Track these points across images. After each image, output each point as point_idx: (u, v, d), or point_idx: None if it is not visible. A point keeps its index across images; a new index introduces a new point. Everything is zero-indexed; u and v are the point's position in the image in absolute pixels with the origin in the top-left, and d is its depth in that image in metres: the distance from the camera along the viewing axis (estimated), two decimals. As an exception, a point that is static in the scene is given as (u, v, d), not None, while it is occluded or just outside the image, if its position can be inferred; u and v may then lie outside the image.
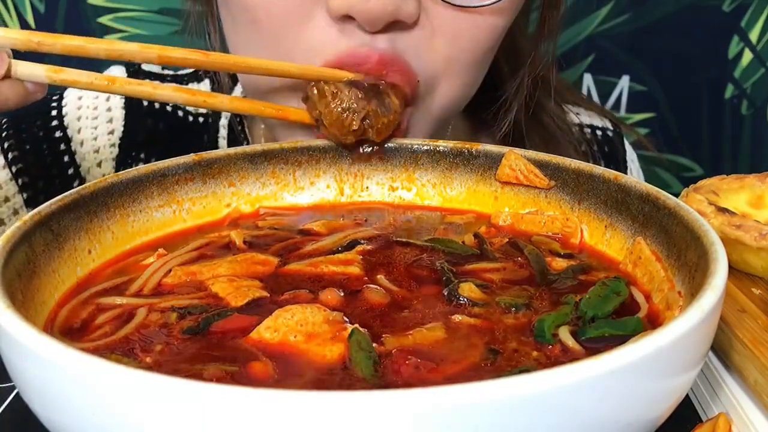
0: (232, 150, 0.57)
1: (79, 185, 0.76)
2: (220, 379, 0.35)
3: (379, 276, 0.46)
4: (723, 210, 0.53)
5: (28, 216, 0.43)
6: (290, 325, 0.39)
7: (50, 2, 1.16)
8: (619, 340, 0.38)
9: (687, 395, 0.43)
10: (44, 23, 1.17)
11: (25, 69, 0.50)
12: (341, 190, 0.60)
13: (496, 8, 0.60)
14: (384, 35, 0.57)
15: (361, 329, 0.39)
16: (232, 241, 0.51)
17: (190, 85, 0.83)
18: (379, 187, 0.60)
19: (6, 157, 0.75)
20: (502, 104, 0.74)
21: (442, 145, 0.59)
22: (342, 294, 0.44)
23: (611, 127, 0.96)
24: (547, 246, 0.51)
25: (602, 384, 0.28)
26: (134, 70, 0.82)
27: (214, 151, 0.57)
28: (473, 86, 0.66)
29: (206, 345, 0.39)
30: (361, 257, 0.49)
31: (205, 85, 0.84)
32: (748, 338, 0.44)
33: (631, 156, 0.98)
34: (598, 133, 0.95)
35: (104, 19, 1.17)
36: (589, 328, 0.40)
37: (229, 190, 0.57)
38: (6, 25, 1.17)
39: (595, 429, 0.30)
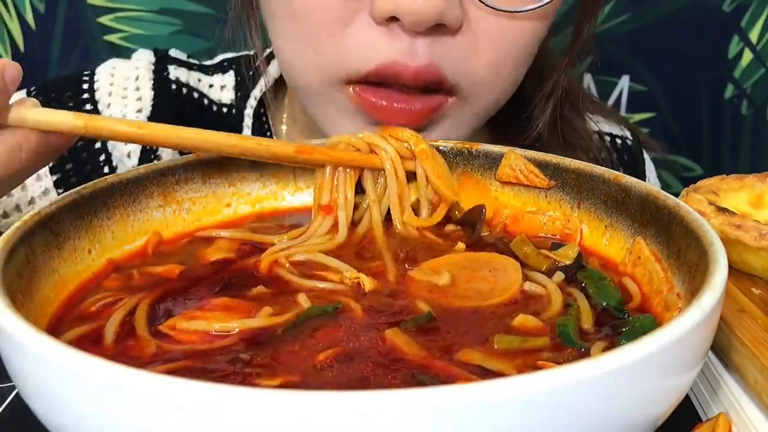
0: (232, 150, 0.57)
1: (105, 159, 0.78)
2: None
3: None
4: (723, 210, 0.53)
5: (28, 216, 0.43)
6: None
7: (50, 2, 1.16)
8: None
9: (687, 395, 0.43)
10: (44, 23, 1.17)
11: (42, 116, 0.44)
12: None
13: (539, 12, 0.60)
14: (425, 39, 0.57)
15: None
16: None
17: (215, 76, 0.84)
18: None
19: None
20: (530, 114, 0.76)
21: (443, 145, 0.58)
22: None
23: (630, 136, 0.96)
24: (545, 246, 0.51)
25: (602, 384, 0.28)
26: (161, 56, 0.82)
27: (214, 150, 0.57)
28: (513, 88, 0.68)
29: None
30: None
31: (230, 76, 0.84)
32: (748, 338, 0.44)
33: (650, 166, 0.98)
34: (618, 141, 0.95)
35: (104, 19, 1.17)
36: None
37: (229, 189, 0.57)
38: (6, 25, 1.17)
39: (595, 429, 0.30)
